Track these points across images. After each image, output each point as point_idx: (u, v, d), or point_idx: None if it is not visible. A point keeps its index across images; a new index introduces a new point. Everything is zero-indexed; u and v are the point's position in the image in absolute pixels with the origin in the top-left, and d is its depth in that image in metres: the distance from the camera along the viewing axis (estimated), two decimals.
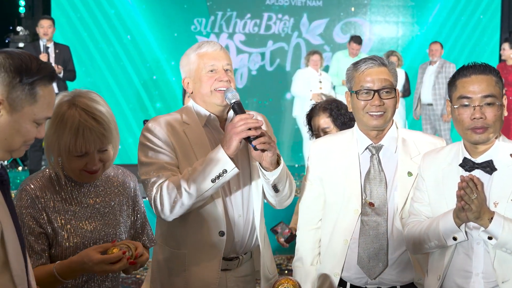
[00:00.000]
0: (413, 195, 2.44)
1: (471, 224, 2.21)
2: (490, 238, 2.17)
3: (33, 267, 1.98)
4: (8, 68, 1.55)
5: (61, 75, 7.36)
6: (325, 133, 3.18)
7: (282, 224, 3.46)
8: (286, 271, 5.47)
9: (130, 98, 9.67)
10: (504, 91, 2.28)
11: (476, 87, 2.20)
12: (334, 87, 9.09)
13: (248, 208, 2.46)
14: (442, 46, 8.68)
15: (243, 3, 10.21)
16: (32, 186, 2.05)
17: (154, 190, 2.30)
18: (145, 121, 2.89)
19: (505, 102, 2.25)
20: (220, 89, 2.40)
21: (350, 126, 3.16)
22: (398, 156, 2.50)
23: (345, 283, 2.53)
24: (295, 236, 2.77)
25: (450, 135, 8.40)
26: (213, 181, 2.25)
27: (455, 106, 2.25)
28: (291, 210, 3.45)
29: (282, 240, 3.43)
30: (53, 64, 7.33)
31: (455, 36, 10.35)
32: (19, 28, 9.11)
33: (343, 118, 3.18)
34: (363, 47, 9.23)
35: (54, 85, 1.70)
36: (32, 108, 1.59)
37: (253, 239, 2.49)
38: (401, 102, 8.76)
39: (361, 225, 2.48)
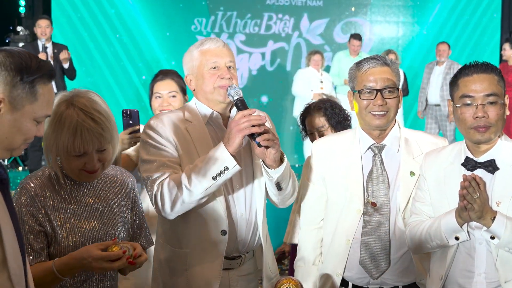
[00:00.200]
0: (415, 194, 2.43)
1: (473, 223, 2.21)
2: (492, 237, 2.16)
3: (32, 265, 1.98)
4: (9, 66, 1.55)
5: (66, 65, 7.37)
6: (320, 132, 3.18)
7: None
8: (286, 271, 5.46)
9: (130, 98, 9.67)
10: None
11: (478, 86, 2.20)
12: (335, 87, 9.09)
13: (251, 207, 2.45)
14: (449, 46, 8.67)
15: (243, 3, 10.22)
16: (31, 185, 2.05)
17: (155, 188, 2.28)
18: (123, 111, 2.84)
19: (507, 101, 2.25)
20: (222, 86, 2.38)
21: (345, 125, 3.17)
22: (401, 156, 2.50)
23: (347, 283, 2.53)
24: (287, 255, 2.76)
25: (455, 136, 8.39)
26: (214, 178, 2.23)
27: (457, 105, 2.25)
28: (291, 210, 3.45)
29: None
30: (53, 60, 7.35)
31: (456, 36, 10.35)
32: (19, 28, 9.10)
33: (338, 117, 3.18)
34: (363, 47, 9.23)
35: (53, 83, 1.69)
36: (33, 106, 1.59)
37: (255, 238, 2.48)
38: None
39: (363, 225, 2.47)
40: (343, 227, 2.50)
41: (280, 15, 10.29)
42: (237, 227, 2.41)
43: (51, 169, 2.10)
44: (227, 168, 2.22)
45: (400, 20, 10.64)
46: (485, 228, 2.16)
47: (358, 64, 2.49)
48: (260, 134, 2.20)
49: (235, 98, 2.30)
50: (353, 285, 2.51)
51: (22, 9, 9.45)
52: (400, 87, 2.51)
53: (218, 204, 2.36)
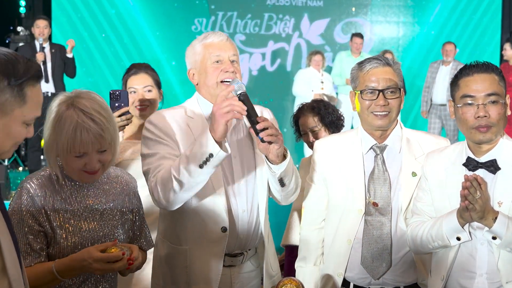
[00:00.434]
0: (416, 195, 2.43)
1: (475, 224, 2.20)
2: (494, 238, 2.16)
3: (31, 265, 1.99)
4: None
5: (70, 55, 7.40)
6: (313, 132, 3.18)
7: None
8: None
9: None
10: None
11: (479, 86, 2.20)
12: (337, 87, 9.08)
13: (253, 203, 2.43)
14: (455, 46, 8.65)
15: (243, 3, 10.22)
16: (32, 185, 2.05)
17: (152, 180, 2.27)
18: (111, 92, 2.76)
19: (508, 101, 2.24)
20: (226, 80, 2.35)
21: (338, 124, 3.18)
22: (403, 156, 2.50)
23: (348, 283, 2.52)
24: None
25: (458, 137, 8.37)
26: (201, 166, 2.17)
27: (458, 105, 2.24)
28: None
29: None
30: (51, 61, 7.37)
31: (456, 36, 10.34)
32: (19, 28, 9.10)
33: (331, 117, 3.18)
34: (364, 47, 9.22)
35: (51, 84, 1.66)
36: (22, 109, 1.54)
37: (257, 235, 2.46)
38: None
39: (364, 225, 2.47)
40: (345, 227, 2.50)
41: (280, 16, 10.28)
42: (239, 223, 2.39)
43: (52, 170, 2.10)
44: (212, 155, 2.15)
45: (400, 20, 10.64)
46: (486, 228, 2.16)
47: (360, 64, 2.48)
48: (263, 129, 2.18)
49: (238, 93, 2.23)
50: (354, 285, 2.51)
51: (22, 9, 9.45)
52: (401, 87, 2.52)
53: (219, 201, 2.34)
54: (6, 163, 7.92)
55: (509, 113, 2.25)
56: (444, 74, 8.50)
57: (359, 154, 2.52)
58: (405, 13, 10.63)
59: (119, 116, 2.78)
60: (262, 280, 2.53)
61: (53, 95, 7.24)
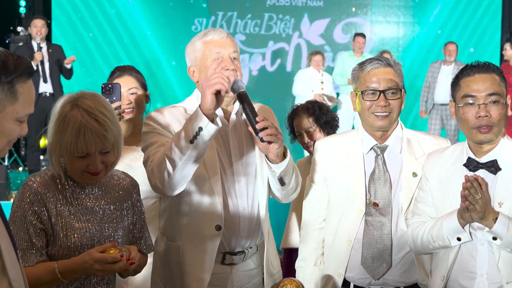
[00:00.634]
0: (417, 195, 2.43)
1: (476, 224, 2.20)
2: (494, 238, 2.16)
3: (33, 263, 1.99)
4: None
5: (69, 66, 7.40)
6: (308, 133, 3.18)
7: None
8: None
9: None
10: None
11: (480, 86, 2.20)
12: (338, 87, 9.08)
13: (253, 201, 2.42)
14: (457, 46, 8.65)
15: (243, 3, 10.22)
16: (35, 182, 2.05)
17: (150, 165, 2.24)
18: (103, 85, 2.69)
19: (509, 101, 2.25)
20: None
21: (333, 125, 3.18)
22: (403, 156, 2.50)
23: (349, 283, 2.52)
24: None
25: (458, 138, 8.37)
26: (191, 141, 2.13)
27: (459, 105, 2.24)
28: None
29: None
30: (48, 61, 7.37)
31: (456, 36, 10.34)
32: (19, 29, 9.09)
33: (326, 117, 3.18)
34: (364, 47, 9.22)
35: (49, 84, 1.65)
36: (14, 107, 1.52)
37: (258, 233, 2.46)
38: None
39: (365, 225, 2.47)
40: (345, 227, 2.50)
41: (280, 16, 10.29)
42: (239, 221, 2.39)
43: (55, 170, 2.10)
44: (201, 129, 2.12)
45: (400, 20, 10.64)
46: (487, 229, 2.16)
47: (361, 64, 2.48)
48: (263, 128, 2.16)
49: (238, 91, 2.22)
50: (354, 285, 2.51)
51: (22, 10, 9.44)
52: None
53: (215, 199, 2.34)
54: (6, 163, 7.92)
55: (510, 113, 2.26)
56: (446, 74, 8.48)
57: (359, 154, 2.51)
58: (405, 13, 10.63)
59: None
60: (263, 278, 2.53)
61: (51, 95, 7.25)
